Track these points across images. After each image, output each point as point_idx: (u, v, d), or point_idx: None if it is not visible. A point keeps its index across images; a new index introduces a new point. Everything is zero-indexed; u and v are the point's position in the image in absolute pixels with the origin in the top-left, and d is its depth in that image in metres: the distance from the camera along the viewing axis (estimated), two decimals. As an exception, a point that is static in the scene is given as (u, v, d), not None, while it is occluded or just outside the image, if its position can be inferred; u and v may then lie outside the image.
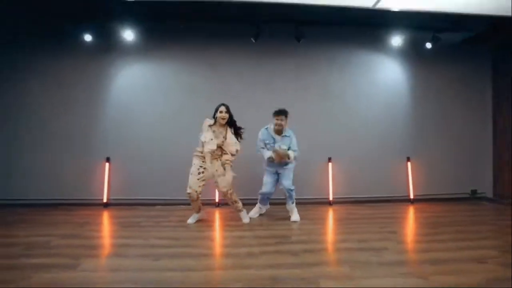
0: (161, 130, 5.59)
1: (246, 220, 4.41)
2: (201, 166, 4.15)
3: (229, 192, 4.22)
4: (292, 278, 2.56)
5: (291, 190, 4.48)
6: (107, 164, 5.49)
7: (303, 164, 5.13)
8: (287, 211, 4.63)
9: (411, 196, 5.73)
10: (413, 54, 5.91)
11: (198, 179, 4.12)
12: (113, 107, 5.59)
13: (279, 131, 4.47)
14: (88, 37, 5.28)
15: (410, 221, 4.73)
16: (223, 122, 4.15)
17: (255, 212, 4.74)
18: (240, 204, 4.41)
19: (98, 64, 5.57)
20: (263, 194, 4.59)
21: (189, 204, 4.41)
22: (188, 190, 4.10)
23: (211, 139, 4.10)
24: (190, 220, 4.33)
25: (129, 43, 5.46)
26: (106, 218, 4.72)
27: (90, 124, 5.55)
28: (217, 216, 4.85)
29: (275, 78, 5.70)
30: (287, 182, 4.47)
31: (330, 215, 4.99)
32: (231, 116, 4.23)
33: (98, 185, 5.47)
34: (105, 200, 5.42)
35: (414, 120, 5.92)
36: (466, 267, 2.79)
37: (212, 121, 4.19)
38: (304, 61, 5.77)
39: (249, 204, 4.75)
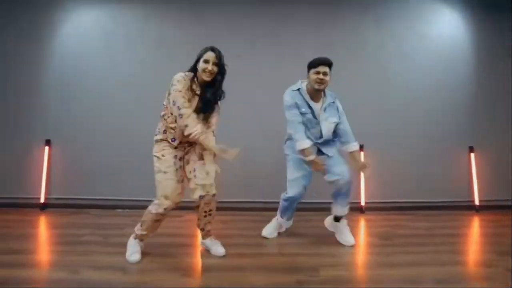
0: (122, 100, 4.02)
1: (220, 251, 2.53)
2: (176, 157, 2.42)
3: (214, 196, 2.41)
4: None
5: (350, 182, 2.71)
6: (46, 149, 3.91)
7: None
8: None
9: (476, 202, 4.09)
10: (481, 2, 4.25)
11: (177, 181, 2.37)
12: (56, 69, 4.00)
13: (318, 94, 2.77)
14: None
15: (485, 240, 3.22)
16: (209, 78, 2.33)
17: (273, 228, 3.02)
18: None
19: (33, 4, 3.97)
20: (289, 199, 2.82)
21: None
22: (164, 203, 2.29)
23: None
24: (134, 257, 2.35)
25: None
26: (33, 228, 3.23)
27: (24, 94, 3.99)
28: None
29: (286, 30, 4.07)
30: (341, 168, 2.69)
31: (367, 229, 3.45)
32: (221, 70, 2.38)
33: (33, 179, 3.90)
34: (42, 200, 3.85)
35: (481, 96, 4.24)
36: None
37: (189, 76, 2.38)
38: (326, 7, 4.12)
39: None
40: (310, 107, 2.73)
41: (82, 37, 4.01)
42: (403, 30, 4.19)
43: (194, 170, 2.38)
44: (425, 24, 4.23)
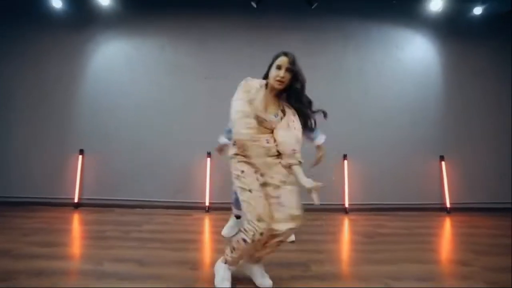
0: (143, 117, 4.55)
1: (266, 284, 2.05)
2: (257, 172, 1.97)
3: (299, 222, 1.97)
4: None
5: None
6: (80, 158, 4.47)
7: (310, 162, 3.91)
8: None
9: (448, 204, 4.49)
10: (449, 28, 4.70)
11: (265, 198, 1.94)
12: (89, 90, 4.58)
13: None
14: (57, 3, 4.26)
15: (458, 239, 3.49)
16: (280, 87, 1.97)
17: (230, 228, 3.18)
18: None
19: (71, 38, 4.59)
20: None
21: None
22: (260, 226, 1.84)
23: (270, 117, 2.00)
24: (223, 285, 2.01)
25: (108, 15, 4.47)
26: (67, 224, 3.67)
27: (62, 110, 4.56)
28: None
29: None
30: None
31: (351, 228, 3.82)
32: (297, 78, 1.98)
33: (69, 182, 4.46)
34: (76, 200, 4.41)
35: (450, 110, 4.67)
36: None
37: (259, 83, 2.04)
38: (314, 35, 4.62)
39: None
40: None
41: (110, 64, 4.62)
42: (381, 55, 4.67)
43: (278, 197, 1.95)
44: (400, 49, 4.71)
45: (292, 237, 2.88)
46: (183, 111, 4.43)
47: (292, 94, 2.00)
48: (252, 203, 1.86)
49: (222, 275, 2.03)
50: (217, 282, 2.02)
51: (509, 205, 4.44)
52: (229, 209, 3.18)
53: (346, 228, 3.79)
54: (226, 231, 3.11)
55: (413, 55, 4.70)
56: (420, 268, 2.43)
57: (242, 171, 1.94)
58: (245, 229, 1.88)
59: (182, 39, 4.62)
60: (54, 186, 4.43)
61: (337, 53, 4.64)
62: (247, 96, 1.94)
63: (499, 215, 4.24)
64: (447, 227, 3.87)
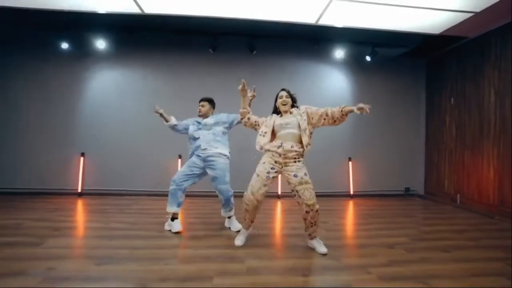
0: (130, 128, 6.01)
1: (322, 250, 3.09)
2: (272, 168, 3.04)
3: (316, 207, 3.01)
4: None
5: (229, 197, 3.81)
6: (81, 159, 5.85)
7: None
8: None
9: (351, 192, 6.26)
10: (355, 66, 6.45)
11: (264, 185, 3.04)
12: (87, 107, 5.98)
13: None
14: (65, 45, 5.69)
15: (346, 213, 5.14)
16: (285, 108, 3.22)
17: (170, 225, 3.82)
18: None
19: (75, 69, 5.96)
20: (172, 182, 3.87)
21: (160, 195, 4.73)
22: (248, 196, 3.09)
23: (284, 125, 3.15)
24: (239, 241, 3.26)
25: (102, 51, 5.87)
26: (77, 206, 5.10)
27: (67, 123, 5.94)
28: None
29: (233, 84, 5.98)
30: (221, 186, 3.75)
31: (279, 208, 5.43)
32: (294, 100, 3.36)
33: (73, 177, 5.88)
34: (79, 190, 5.82)
35: (356, 125, 6.44)
36: (377, 251, 3.19)
37: (273, 115, 3.30)
38: (258, 70, 6.17)
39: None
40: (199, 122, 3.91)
41: (103, 88, 6.02)
42: (306, 85, 6.32)
43: (297, 192, 2.96)
44: (321, 80, 6.43)
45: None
46: (160, 124, 5.11)
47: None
48: (254, 179, 3.04)
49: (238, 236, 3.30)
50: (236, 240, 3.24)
51: (397, 192, 6.38)
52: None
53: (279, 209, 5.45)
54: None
55: (330, 85, 6.41)
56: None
57: (264, 162, 3.06)
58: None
59: (160, 70, 6.06)
60: (62, 180, 5.81)
61: (275, 84, 5.89)
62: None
63: (389, 199, 6.12)
64: (347, 207, 5.51)
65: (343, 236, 3.77)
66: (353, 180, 6.30)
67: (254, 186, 3.05)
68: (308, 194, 2.96)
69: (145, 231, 3.69)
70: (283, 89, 3.25)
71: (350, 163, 6.35)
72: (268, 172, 3.03)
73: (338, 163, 6.35)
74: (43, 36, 5.68)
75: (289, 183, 3.02)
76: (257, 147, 3.16)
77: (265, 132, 3.14)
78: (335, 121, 3.03)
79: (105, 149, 5.94)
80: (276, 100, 3.28)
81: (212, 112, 4.01)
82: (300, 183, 2.97)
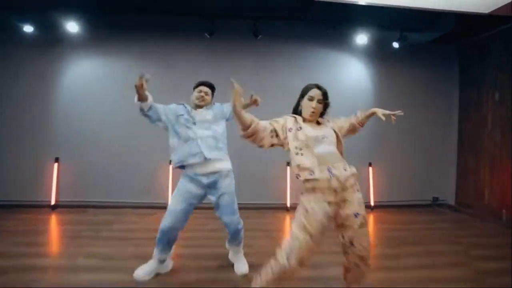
0: (112, 129, 5.12)
1: None
2: (326, 217, 1.94)
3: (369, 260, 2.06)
4: None
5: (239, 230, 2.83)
6: (55, 165, 5.01)
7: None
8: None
9: (372, 203, 5.38)
10: (378, 53, 5.48)
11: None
12: (61, 104, 5.08)
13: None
14: (29, 28, 4.69)
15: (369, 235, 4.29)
16: (312, 118, 2.15)
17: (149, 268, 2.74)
18: None
19: (44, 57, 5.02)
20: (161, 231, 2.66)
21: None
22: (283, 262, 1.87)
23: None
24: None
25: (78, 34, 4.89)
26: (46, 225, 4.28)
27: (36, 123, 5.03)
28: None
29: (233, 75, 5.16)
30: (228, 218, 2.77)
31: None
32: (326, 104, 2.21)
33: (46, 187, 5.00)
34: (53, 202, 4.97)
35: (377, 124, 5.39)
36: None
37: (294, 118, 2.15)
38: (262, 59, 5.29)
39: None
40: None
41: (81, 81, 5.11)
42: (319, 75, 5.31)
43: (351, 239, 1.96)
44: (336, 71, 5.49)
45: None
46: (148, 124, 4.97)
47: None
48: (303, 245, 1.85)
49: None
50: None
51: (423, 202, 5.48)
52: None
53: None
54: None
55: (347, 76, 5.47)
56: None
57: (313, 208, 1.91)
58: (277, 258, 1.87)
59: (148, 59, 5.13)
60: (33, 190, 4.92)
61: (282, 74, 5.30)
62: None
63: (414, 211, 5.22)
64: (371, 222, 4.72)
65: (369, 283, 2.49)
66: (373, 189, 5.40)
67: (300, 253, 1.86)
68: (365, 242, 1.99)
69: (120, 273, 2.78)
70: (318, 87, 2.17)
71: (371, 168, 5.44)
72: (323, 228, 1.91)
73: (356, 169, 5.41)
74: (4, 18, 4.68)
75: (342, 226, 1.98)
76: (298, 174, 1.97)
77: (301, 149, 1.98)
78: (355, 132, 2.39)
79: (83, 154, 5.06)
80: (302, 96, 2.19)
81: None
82: (362, 226, 1.97)
